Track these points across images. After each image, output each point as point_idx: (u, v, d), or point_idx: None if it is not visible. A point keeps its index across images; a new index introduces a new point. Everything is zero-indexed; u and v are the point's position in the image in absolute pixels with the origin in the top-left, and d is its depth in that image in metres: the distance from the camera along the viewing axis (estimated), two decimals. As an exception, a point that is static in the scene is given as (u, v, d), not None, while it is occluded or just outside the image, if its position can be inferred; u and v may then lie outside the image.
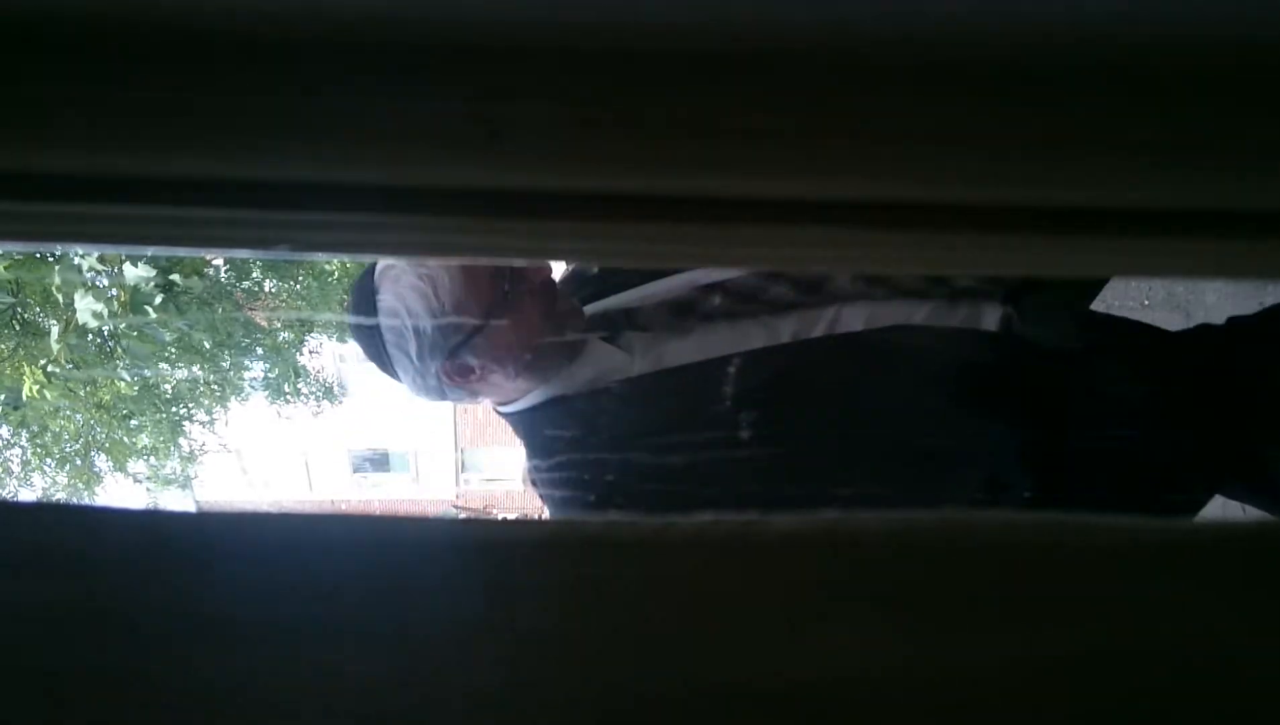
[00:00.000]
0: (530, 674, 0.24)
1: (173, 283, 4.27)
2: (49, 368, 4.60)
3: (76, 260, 3.80)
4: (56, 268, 3.85)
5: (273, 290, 5.88)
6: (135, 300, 3.96)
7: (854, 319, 0.99)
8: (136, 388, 5.47)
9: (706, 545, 0.29)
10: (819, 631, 0.26)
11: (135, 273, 3.88)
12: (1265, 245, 0.40)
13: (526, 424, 1.05)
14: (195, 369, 5.74)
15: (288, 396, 6.31)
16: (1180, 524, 0.28)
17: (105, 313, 3.87)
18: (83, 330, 4.24)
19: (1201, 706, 0.24)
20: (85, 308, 3.84)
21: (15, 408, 5.27)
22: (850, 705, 0.24)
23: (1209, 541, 0.29)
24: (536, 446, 1.05)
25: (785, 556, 0.28)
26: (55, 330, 4.26)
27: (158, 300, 4.03)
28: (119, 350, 4.88)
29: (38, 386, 4.51)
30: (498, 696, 0.24)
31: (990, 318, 0.99)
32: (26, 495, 6.33)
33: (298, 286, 5.89)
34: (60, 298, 4.08)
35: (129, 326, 4.09)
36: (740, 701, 0.24)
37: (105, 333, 4.61)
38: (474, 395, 1.05)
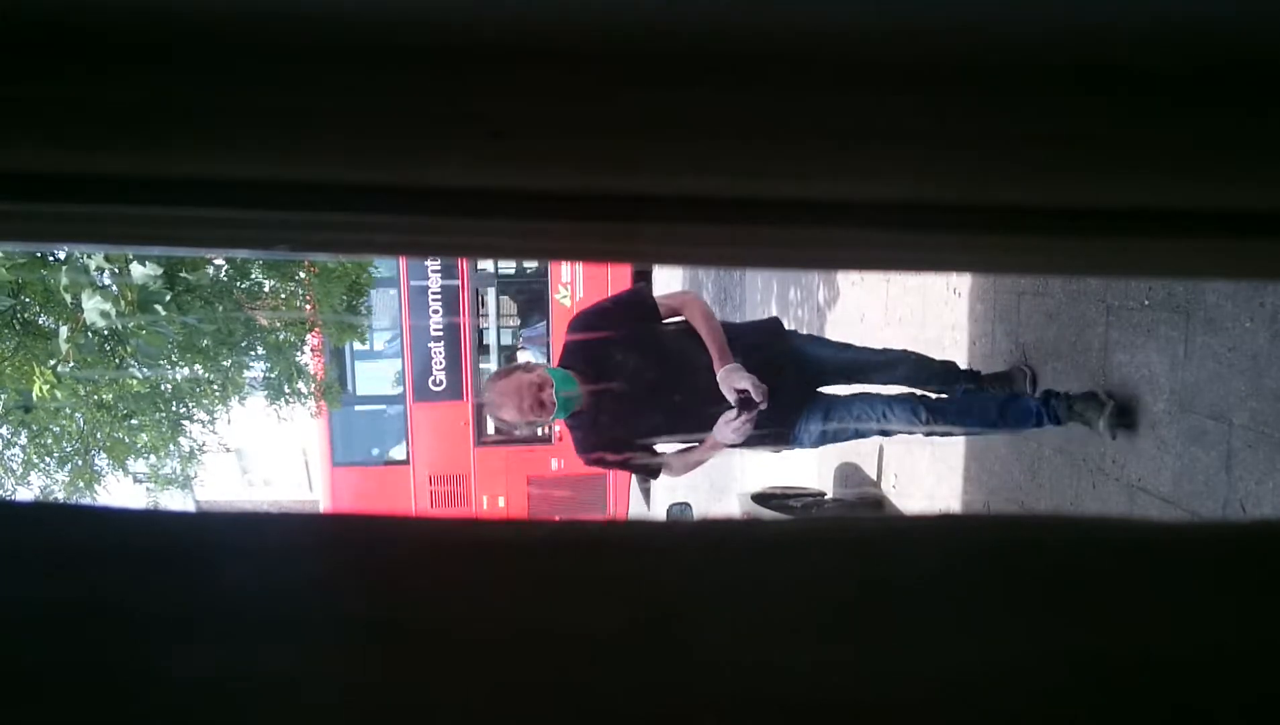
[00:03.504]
0: (528, 673, 0.24)
1: (177, 279, 4.27)
2: (58, 368, 4.60)
3: (83, 261, 3.80)
4: (64, 269, 3.85)
5: (273, 290, 5.88)
6: (143, 298, 3.96)
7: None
8: (147, 387, 5.49)
9: (706, 545, 0.29)
10: (818, 632, 0.26)
11: (142, 271, 3.89)
12: (1265, 245, 0.40)
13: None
14: (197, 368, 5.74)
15: (287, 397, 6.31)
16: (1180, 524, 0.28)
17: (113, 312, 3.87)
18: (88, 330, 4.24)
19: (1200, 706, 0.24)
20: (93, 307, 3.84)
21: (27, 410, 5.27)
22: (848, 705, 0.24)
23: (1209, 541, 0.29)
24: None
25: (786, 556, 0.28)
26: (64, 331, 4.27)
27: (167, 298, 4.04)
28: (125, 349, 4.88)
29: (48, 387, 4.51)
30: (495, 695, 0.24)
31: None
32: (26, 495, 6.33)
33: (297, 288, 5.89)
34: (67, 298, 4.08)
35: (137, 325, 4.09)
36: (739, 701, 0.24)
37: (108, 332, 4.60)
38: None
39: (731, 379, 2.26)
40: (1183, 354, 2.20)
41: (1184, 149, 0.37)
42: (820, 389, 2.62)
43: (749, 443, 2.39)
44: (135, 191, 0.37)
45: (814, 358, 2.61)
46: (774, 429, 2.45)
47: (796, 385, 2.53)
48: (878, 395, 2.64)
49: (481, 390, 2.56)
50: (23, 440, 6.20)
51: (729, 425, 2.27)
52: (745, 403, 2.24)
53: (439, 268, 10.71)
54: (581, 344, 2.46)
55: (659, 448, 2.50)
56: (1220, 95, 0.35)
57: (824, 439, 2.58)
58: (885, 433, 2.66)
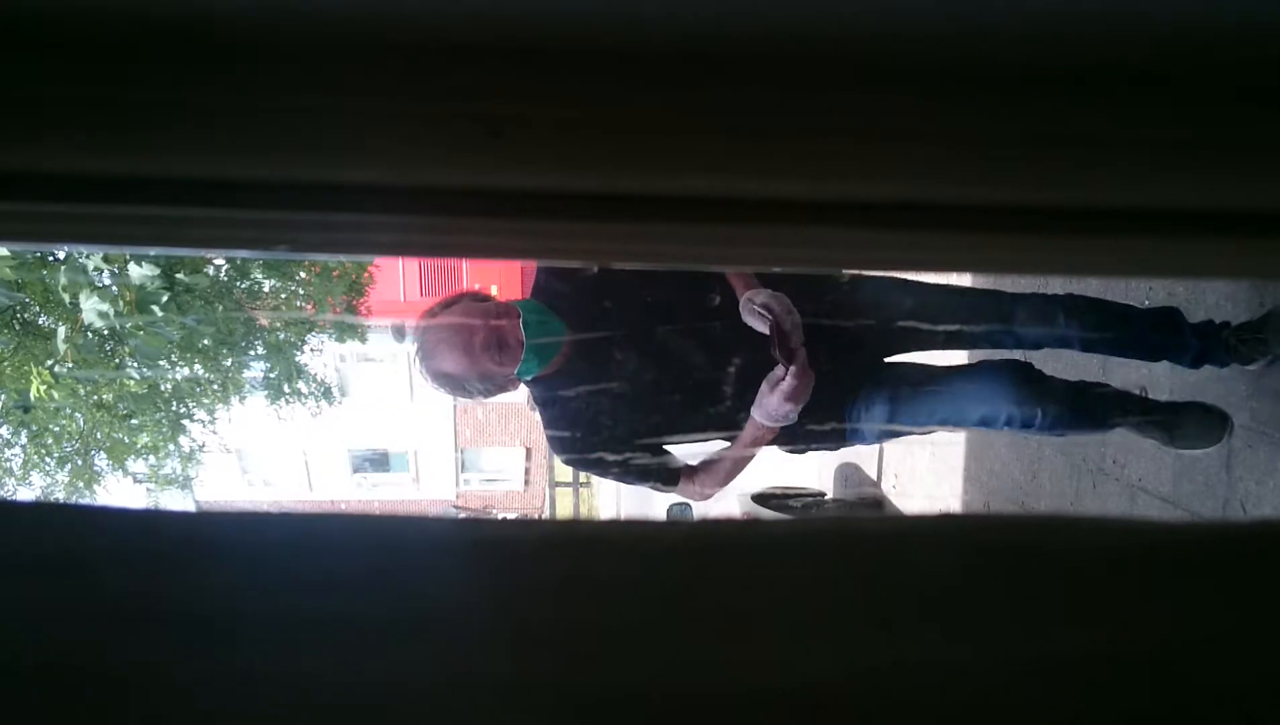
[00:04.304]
0: (529, 672, 0.24)
1: (175, 281, 4.27)
2: (55, 368, 4.61)
3: (82, 260, 3.80)
4: (63, 269, 3.85)
5: (273, 290, 5.88)
6: (142, 299, 3.97)
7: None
8: (145, 387, 5.50)
9: (706, 545, 0.29)
10: (818, 631, 0.26)
11: (140, 272, 3.89)
12: (1265, 245, 0.40)
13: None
14: (197, 368, 5.75)
15: (287, 397, 6.31)
16: (1180, 524, 0.28)
17: (111, 312, 3.87)
18: (87, 330, 4.25)
19: (1199, 706, 0.24)
20: (91, 308, 3.84)
21: (26, 410, 5.27)
22: (849, 705, 0.24)
23: (1209, 541, 0.29)
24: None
25: (785, 556, 0.28)
26: (62, 331, 4.27)
27: (164, 298, 4.04)
28: (123, 350, 4.89)
29: (45, 387, 4.51)
30: (496, 694, 0.24)
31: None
32: (26, 495, 6.33)
33: (297, 288, 5.89)
34: (66, 298, 4.09)
35: (135, 325, 4.09)
36: (739, 700, 0.24)
37: (107, 332, 4.61)
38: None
39: (752, 300, 1.55)
40: (1182, 354, 2.20)
41: (1184, 149, 0.37)
42: (890, 360, 1.78)
43: (795, 441, 1.70)
44: (135, 191, 0.37)
45: (885, 312, 1.71)
46: (823, 418, 1.67)
47: (854, 356, 1.71)
48: (975, 373, 1.73)
49: (410, 336, 1.61)
50: (23, 440, 6.20)
51: (775, 391, 1.52)
52: (778, 335, 1.52)
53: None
54: (566, 276, 1.63)
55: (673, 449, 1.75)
56: (1220, 95, 0.35)
57: (891, 431, 1.77)
58: (982, 427, 1.74)
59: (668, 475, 1.69)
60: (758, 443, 1.64)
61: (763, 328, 1.54)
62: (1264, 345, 1.79)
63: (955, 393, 1.71)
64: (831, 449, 1.85)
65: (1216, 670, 0.24)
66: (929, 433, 1.84)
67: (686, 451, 1.76)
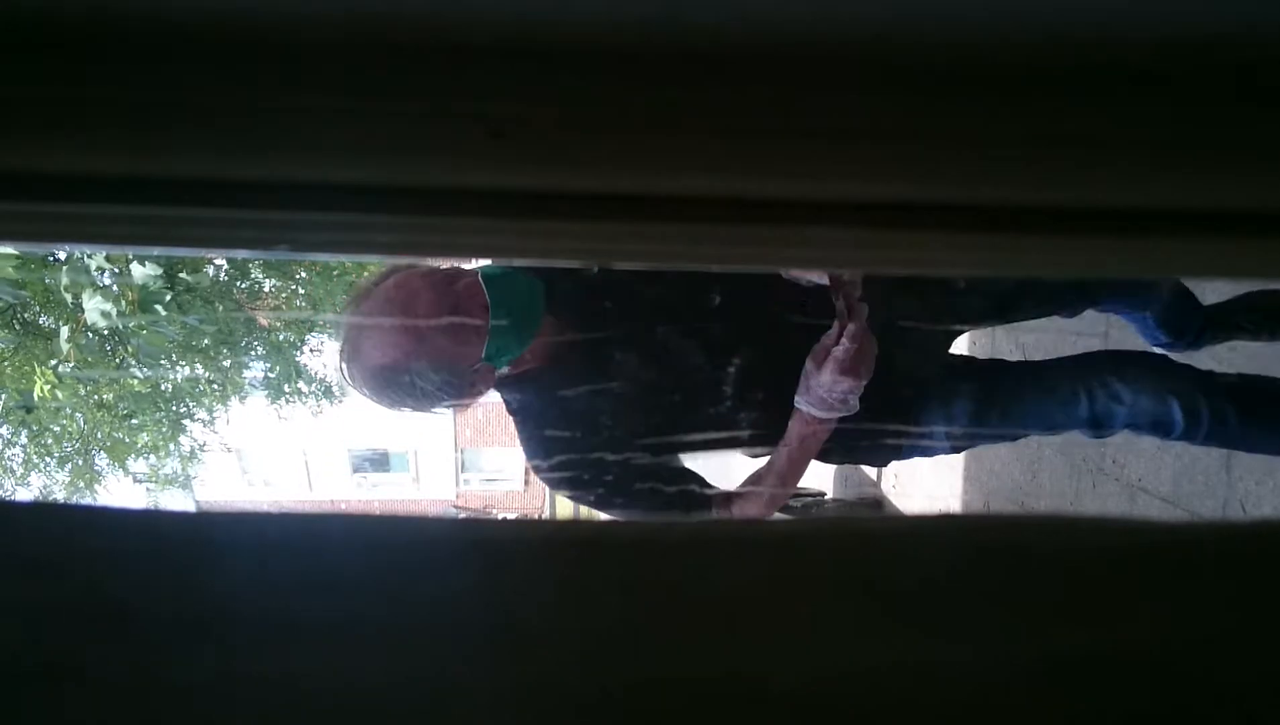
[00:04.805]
0: (529, 673, 0.24)
1: (177, 280, 4.29)
2: (59, 368, 4.62)
3: (84, 260, 3.81)
4: (65, 269, 3.86)
5: (273, 290, 5.89)
6: (144, 298, 3.97)
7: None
8: (149, 387, 5.52)
9: (706, 545, 0.29)
10: (819, 631, 0.26)
11: (143, 272, 3.89)
12: (1265, 245, 0.40)
13: None
14: (197, 368, 5.76)
15: (288, 396, 6.31)
16: (1180, 524, 0.28)
17: (114, 312, 3.88)
18: (89, 330, 4.26)
19: (1199, 706, 0.24)
20: (94, 308, 3.85)
21: (28, 410, 5.29)
22: (849, 705, 0.24)
23: (1209, 541, 0.29)
24: None
25: (785, 557, 0.28)
26: (65, 331, 4.28)
27: (167, 298, 4.05)
28: (125, 349, 4.90)
29: (49, 387, 4.53)
30: (496, 695, 0.24)
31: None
32: (26, 495, 6.34)
33: (298, 288, 5.90)
34: (68, 298, 4.09)
35: (138, 325, 4.10)
36: (738, 701, 0.24)
37: (109, 332, 4.62)
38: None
39: None
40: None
41: (1184, 149, 0.37)
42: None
43: (845, 454, 1.33)
44: (135, 191, 0.37)
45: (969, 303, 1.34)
46: (895, 420, 1.27)
47: (926, 348, 1.32)
48: (1108, 362, 1.29)
49: (341, 331, 1.03)
50: (23, 440, 6.21)
51: (826, 363, 1.14)
52: (836, 282, 1.17)
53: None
54: (566, 276, 1.27)
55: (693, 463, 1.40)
56: (1220, 95, 0.35)
57: (971, 437, 1.33)
58: (1098, 433, 1.28)
59: (694, 501, 1.35)
60: (806, 443, 1.25)
61: (814, 278, 1.23)
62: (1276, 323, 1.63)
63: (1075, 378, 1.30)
64: (886, 462, 1.49)
65: (1216, 670, 0.24)
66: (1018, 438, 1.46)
67: (705, 460, 1.46)
